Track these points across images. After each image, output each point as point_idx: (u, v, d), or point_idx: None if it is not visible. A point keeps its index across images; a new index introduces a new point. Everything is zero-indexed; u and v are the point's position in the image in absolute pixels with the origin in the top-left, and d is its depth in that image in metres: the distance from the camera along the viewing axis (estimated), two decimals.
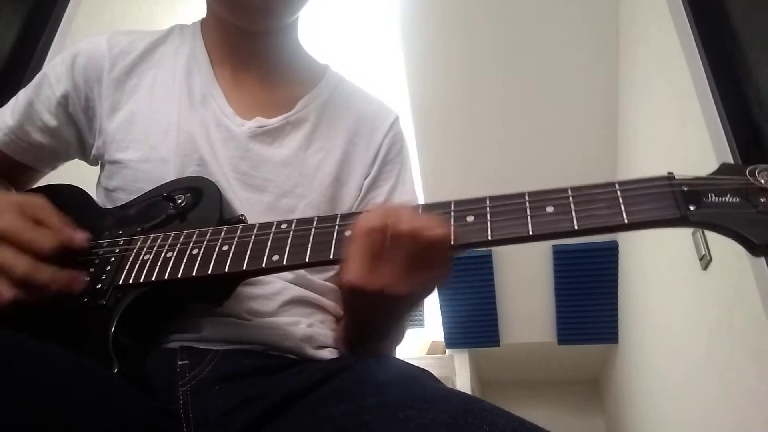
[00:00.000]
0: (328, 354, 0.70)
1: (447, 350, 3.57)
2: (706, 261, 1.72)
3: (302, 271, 0.73)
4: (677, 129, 1.85)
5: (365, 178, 0.80)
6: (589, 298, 3.17)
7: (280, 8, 0.75)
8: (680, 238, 1.92)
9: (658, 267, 2.38)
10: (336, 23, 2.74)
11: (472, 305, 3.31)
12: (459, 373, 3.44)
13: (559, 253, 3.09)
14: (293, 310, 0.71)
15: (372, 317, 0.63)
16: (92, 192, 0.79)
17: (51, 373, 0.45)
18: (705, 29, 1.34)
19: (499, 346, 3.45)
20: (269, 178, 0.74)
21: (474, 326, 3.39)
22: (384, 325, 0.65)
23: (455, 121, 2.86)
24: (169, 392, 0.59)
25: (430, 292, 0.55)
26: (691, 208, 0.48)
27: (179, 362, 0.61)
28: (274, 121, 0.77)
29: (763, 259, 1.20)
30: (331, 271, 0.77)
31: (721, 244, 1.63)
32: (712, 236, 1.69)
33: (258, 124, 0.76)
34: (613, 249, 3.02)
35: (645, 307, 2.65)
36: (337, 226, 0.57)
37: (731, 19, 1.26)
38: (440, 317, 3.43)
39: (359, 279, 0.53)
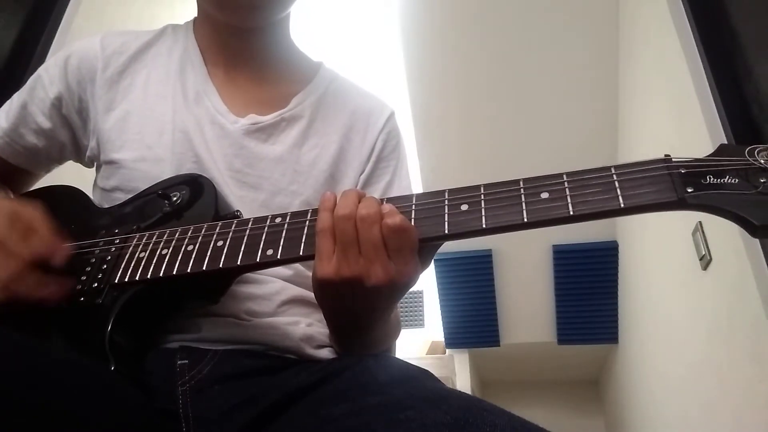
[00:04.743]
0: (328, 353, 0.70)
1: (447, 350, 3.57)
2: (706, 261, 1.72)
3: (301, 269, 0.73)
4: (677, 129, 1.85)
5: (360, 175, 0.80)
6: (589, 298, 3.17)
7: (268, 5, 0.75)
8: (680, 238, 1.91)
9: (658, 267, 2.38)
10: (335, 23, 2.74)
11: (472, 305, 3.31)
12: (459, 373, 3.44)
13: (559, 253, 3.08)
14: (292, 309, 0.71)
15: (350, 314, 0.61)
16: (89, 193, 0.79)
17: (51, 372, 0.45)
18: (705, 29, 1.34)
19: (499, 346, 3.45)
20: (264, 176, 0.74)
21: (474, 326, 3.39)
22: (364, 322, 0.63)
23: (455, 121, 2.85)
24: (168, 392, 0.59)
25: (407, 283, 0.54)
26: (689, 190, 0.47)
27: (179, 362, 0.61)
28: (268, 118, 0.77)
29: (763, 259, 1.20)
30: None
31: (721, 244, 1.63)
32: (712, 236, 1.69)
33: (251, 121, 0.76)
34: (613, 249, 3.02)
35: (645, 307, 2.65)
36: None
37: (731, 19, 1.26)
38: (440, 317, 3.43)
39: (331, 272, 0.53)
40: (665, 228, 2.18)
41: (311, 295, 0.72)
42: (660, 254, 2.32)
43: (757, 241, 1.19)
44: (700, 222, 1.73)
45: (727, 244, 1.58)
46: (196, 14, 0.85)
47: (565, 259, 3.09)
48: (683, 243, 1.88)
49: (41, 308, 0.58)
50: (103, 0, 1.75)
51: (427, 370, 0.57)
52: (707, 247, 1.70)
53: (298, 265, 0.72)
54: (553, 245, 3.07)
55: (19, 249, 0.57)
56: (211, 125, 0.75)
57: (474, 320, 3.37)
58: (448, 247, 3.09)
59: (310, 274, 0.73)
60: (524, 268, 3.18)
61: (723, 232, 1.58)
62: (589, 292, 3.15)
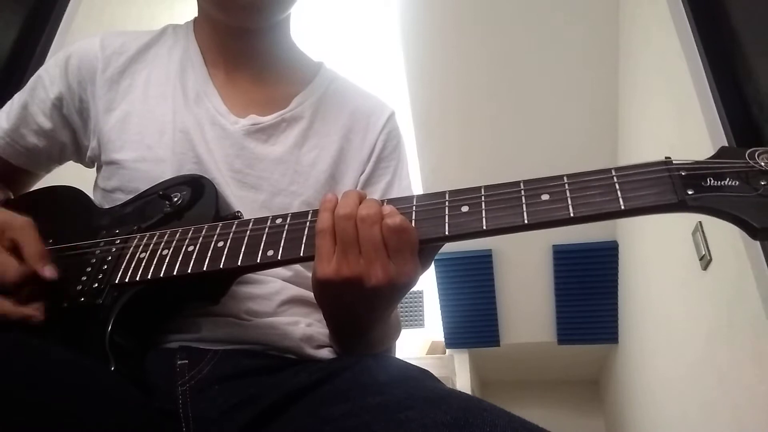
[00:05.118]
0: (328, 353, 0.70)
1: (447, 350, 3.57)
2: (706, 261, 1.72)
3: (301, 270, 0.73)
4: (677, 129, 1.85)
5: (361, 175, 0.80)
6: (589, 298, 3.17)
7: (269, 6, 0.75)
8: (680, 238, 1.91)
9: (658, 267, 2.38)
10: (335, 23, 2.74)
11: (472, 305, 3.31)
12: (459, 373, 3.44)
13: (559, 253, 3.08)
14: (292, 309, 0.71)
15: (350, 315, 0.61)
16: (90, 193, 0.79)
17: (50, 372, 0.45)
18: (705, 29, 1.34)
19: (499, 346, 3.45)
20: (264, 176, 0.74)
21: (474, 326, 3.39)
22: (364, 322, 0.63)
23: (456, 121, 2.85)
24: (168, 392, 0.59)
25: (407, 283, 0.54)
26: (689, 192, 0.47)
27: (178, 362, 0.61)
28: (268, 119, 0.77)
29: (763, 259, 1.20)
30: None
31: (721, 244, 1.63)
32: (712, 236, 1.69)
33: (252, 122, 0.76)
34: (613, 249, 3.02)
35: (645, 307, 2.65)
36: None
37: (731, 19, 1.26)
38: (440, 317, 3.43)
39: (331, 272, 0.53)
40: (665, 228, 2.18)
41: (311, 295, 0.72)
42: (660, 254, 2.32)
43: (757, 241, 1.19)
44: (700, 222, 1.73)
45: (727, 244, 1.58)
46: (196, 14, 0.86)
47: (565, 259, 3.09)
48: (683, 243, 1.88)
49: (53, 302, 0.57)
50: (103, 0, 1.75)
51: (427, 370, 0.57)
52: (707, 247, 1.70)
53: (297, 266, 0.72)
54: (553, 245, 3.07)
55: (3, 266, 0.57)
56: (211, 126, 0.75)
57: (474, 320, 3.37)
58: (448, 247, 3.09)
59: (310, 274, 0.73)
60: (524, 268, 3.18)
61: (723, 232, 1.58)
62: (589, 292, 3.15)
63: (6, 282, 0.57)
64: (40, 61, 1.37)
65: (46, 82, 0.79)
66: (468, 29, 2.58)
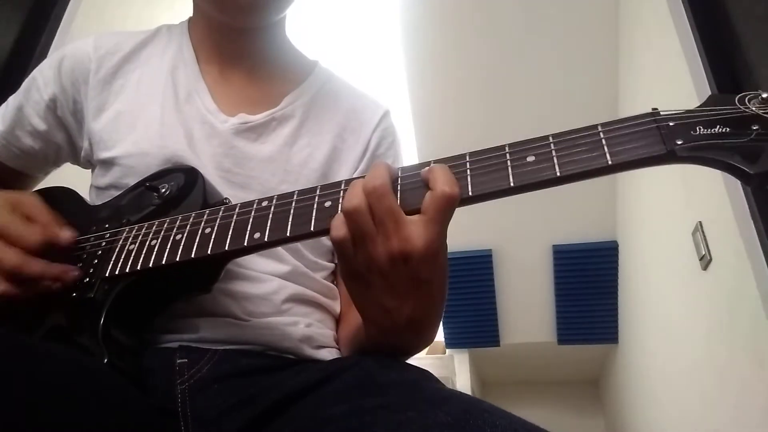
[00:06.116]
0: (327, 354, 0.70)
1: (447, 350, 3.56)
2: (706, 261, 1.72)
3: (298, 265, 0.73)
4: None
5: (354, 173, 0.80)
6: (589, 298, 3.17)
7: (268, 6, 0.75)
8: (680, 238, 1.92)
9: (658, 267, 2.38)
10: (334, 20, 2.74)
11: (472, 305, 3.31)
12: (459, 373, 3.43)
13: (559, 253, 3.08)
14: (291, 309, 0.71)
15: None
16: (85, 194, 0.79)
17: (49, 372, 0.45)
18: (705, 29, 1.34)
19: (499, 346, 3.45)
20: (253, 176, 0.74)
21: (474, 326, 3.39)
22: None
23: (456, 120, 2.86)
24: (167, 391, 0.59)
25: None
26: (679, 142, 0.45)
27: (178, 361, 0.61)
28: (258, 117, 0.76)
29: (763, 259, 1.20)
30: (327, 270, 0.77)
31: (721, 244, 1.63)
32: (712, 236, 1.69)
33: (241, 121, 0.75)
34: (613, 249, 3.02)
35: (645, 307, 2.65)
36: (317, 197, 0.55)
37: (731, 19, 1.26)
38: None
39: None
40: (665, 228, 2.18)
41: (310, 293, 0.72)
42: (660, 254, 2.32)
43: (757, 240, 1.19)
44: (700, 222, 1.73)
45: (727, 244, 1.58)
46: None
47: (565, 259, 3.09)
48: (683, 243, 1.88)
49: (45, 298, 0.58)
50: (103, 0, 1.75)
51: (427, 371, 0.57)
52: (707, 247, 1.70)
53: (294, 261, 0.72)
54: (553, 245, 3.07)
55: (21, 238, 0.58)
56: (201, 125, 0.75)
57: (474, 320, 3.37)
58: (449, 247, 3.08)
59: (308, 271, 0.73)
60: (524, 268, 3.18)
61: (723, 232, 1.58)
62: (589, 292, 3.15)
63: (32, 245, 0.58)
64: (40, 61, 1.36)
65: (40, 84, 0.79)
66: (468, 27, 2.58)
